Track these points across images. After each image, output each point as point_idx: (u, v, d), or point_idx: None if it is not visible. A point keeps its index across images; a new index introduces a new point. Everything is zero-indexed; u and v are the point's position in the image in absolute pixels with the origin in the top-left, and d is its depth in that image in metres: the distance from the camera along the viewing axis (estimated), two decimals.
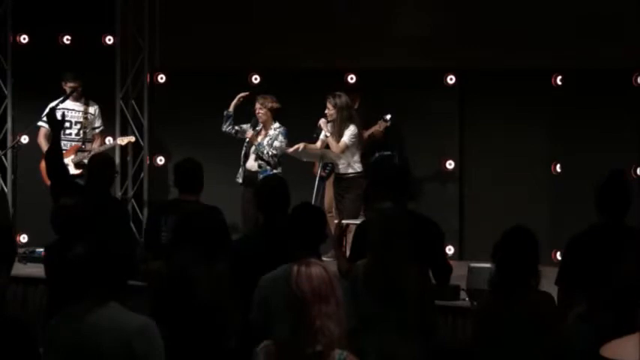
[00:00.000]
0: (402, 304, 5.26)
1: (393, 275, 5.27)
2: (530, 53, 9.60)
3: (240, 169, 9.51)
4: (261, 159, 9.36)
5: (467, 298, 7.22)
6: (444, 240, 6.29)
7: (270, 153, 9.33)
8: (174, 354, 4.14)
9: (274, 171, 9.26)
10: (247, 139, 9.46)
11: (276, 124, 9.45)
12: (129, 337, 3.78)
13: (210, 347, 5.11)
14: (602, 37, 9.31)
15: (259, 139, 9.42)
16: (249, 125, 9.52)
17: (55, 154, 7.10)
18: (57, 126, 7.32)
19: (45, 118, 9.79)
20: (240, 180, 9.48)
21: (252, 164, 9.43)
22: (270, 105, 9.42)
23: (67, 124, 9.60)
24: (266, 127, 9.46)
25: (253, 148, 9.41)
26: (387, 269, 5.29)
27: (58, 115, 8.60)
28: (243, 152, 9.52)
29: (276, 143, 9.36)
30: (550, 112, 9.81)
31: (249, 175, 9.39)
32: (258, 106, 9.43)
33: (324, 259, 6.34)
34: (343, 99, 9.34)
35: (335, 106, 9.33)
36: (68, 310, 3.95)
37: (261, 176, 9.15)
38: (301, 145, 9.35)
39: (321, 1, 10.36)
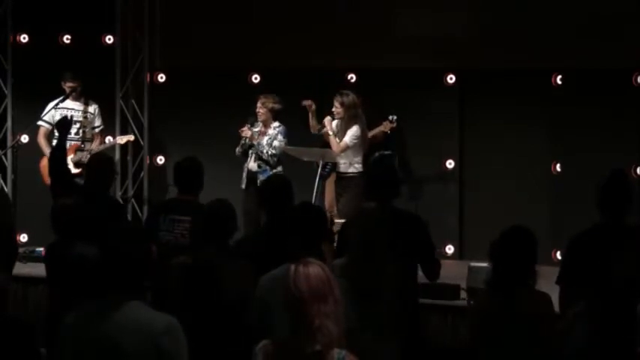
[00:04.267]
0: (379, 304, 5.23)
1: (370, 275, 5.23)
2: (530, 53, 9.60)
3: (243, 174, 9.48)
4: (261, 159, 9.36)
5: (466, 298, 7.22)
6: (429, 234, 6.24)
7: (269, 152, 9.32)
8: (196, 351, 4.09)
9: (274, 170, 9.26)
10: (247, 139, 9.44)
11: (276, 124, 9.44)
12: (155, 337, 3.74)
13: (235, 346, 5.09)
14: (602, 37, 9.30)
15: (259, 138, 9.42)
16: (248, 125, 9.51)
17: (60, 153, 7.17)
18: (65, 129, 7.39)
19: (46, 118, 9.81)
20: (243, 186, 9.45)
21: (252, 165, 9.43)
22: (271, 106, 9.41)
23: None
24: (265, 126, 9.46)
25: (253, 148, 9.40)
26: (365, 269, 5.25)
27: (66, 114, 8.68)
28: (241, 152, 9.49)
29: (276, 143, 9.35)
30: (550, 112, 9.81)
31: (250, 175, 9.38)
32: (259, 105, 9.42)
33: None
34: (351, 97, 9.33)
35: (342, 104, 9.32)
36: (83, 309, 3.90)
37: (260, 176, 9.14)
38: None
39: (321, 1, 10.36)
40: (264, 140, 9.37)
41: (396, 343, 5.24)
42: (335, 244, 6.44)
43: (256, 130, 9.46)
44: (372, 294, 5.20)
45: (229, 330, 5.11)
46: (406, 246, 5.66)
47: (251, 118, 9.48)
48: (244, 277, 5.27)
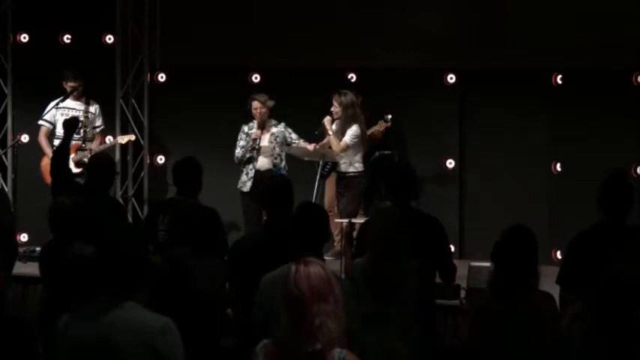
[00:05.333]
0: (401, 302, 5.27)
1: (391, 274, 5.29)
2: (530, 53, 9.60)
3: (244, 177, 9.44)
4: (279, 158, 9.39)
5: (461, 298, 7.23)
6: (447, 237, 6.26)
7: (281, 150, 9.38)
8: None
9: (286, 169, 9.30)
10: (257, 140, 9.40)
11: (274, 121, 9.47)
12: (151, 338, 3.76)
13: (207, 343, 5.10)
14: (602, 37, 9.31)
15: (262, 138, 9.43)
16: (249, 126, 9.50)
17: (63, 153, 7.19)
18: (72, 129, 7.42)
19: (47, 118, 9.81)
20: (246, 189, 9.40)
21: (262, 163, 9.39)
22: (270, 105, 9.44)
23: None
24: (266, 125, 9.45)
25: (264, 147, 9.37)
26: (386, 268, 5.31)
27: (69, 113, 8.71)
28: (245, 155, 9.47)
29: (294, 136, 9.43)
30: (550, 112, 9.81)
31: (260, 174, 9.31)
32: (260, 105, 9.41)
33: (325, 258, 6.35)
34: (349, 97, 9.35)
35: (340, 104, 9.34)
36: (78, 309, 3.91)
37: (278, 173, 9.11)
38: (310, 147, 9.37)
39: (321, 1, 10.36)
40: (273, 139, 9.38)
41: (416, 342, 5.27)
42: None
43: (252, 131, 9.46)
44: (393, 293, 5.24)
45: (200, 329, 5.11)
46: (424, 247, 5.67)
47: (259, 122, 9.45)
48: (216, 277, 5.29)
